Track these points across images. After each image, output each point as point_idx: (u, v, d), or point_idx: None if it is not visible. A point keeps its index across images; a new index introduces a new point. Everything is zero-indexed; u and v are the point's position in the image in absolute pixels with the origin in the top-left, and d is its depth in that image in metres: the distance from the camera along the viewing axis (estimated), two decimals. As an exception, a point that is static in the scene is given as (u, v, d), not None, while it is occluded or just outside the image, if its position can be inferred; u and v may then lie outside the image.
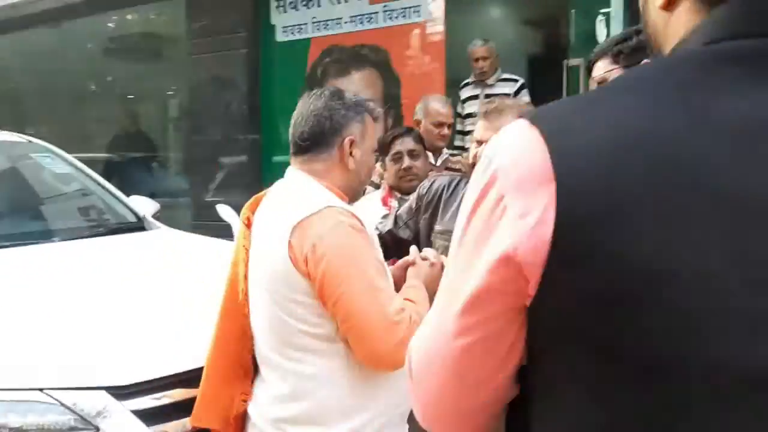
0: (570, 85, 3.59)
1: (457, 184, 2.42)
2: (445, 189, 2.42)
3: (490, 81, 4.57)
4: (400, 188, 2.95)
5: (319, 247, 1.64)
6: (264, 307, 1.77)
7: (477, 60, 4.57)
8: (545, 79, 4.42)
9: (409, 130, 3.01)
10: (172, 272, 2.69)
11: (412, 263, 1.95)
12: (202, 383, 1.87)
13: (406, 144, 2.93)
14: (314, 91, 1.86)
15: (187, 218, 6.03)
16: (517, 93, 4.48)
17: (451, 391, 0.80)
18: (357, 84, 5.32)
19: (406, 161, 2.93)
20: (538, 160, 0.67)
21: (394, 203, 2.92)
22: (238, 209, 3.88)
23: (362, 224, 1.73)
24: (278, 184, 1.89)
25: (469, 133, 4.31)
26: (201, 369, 1.91)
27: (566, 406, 0.72)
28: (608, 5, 3.69)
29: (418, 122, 3.45)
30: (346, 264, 1.66)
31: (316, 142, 1.81)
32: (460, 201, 2.37)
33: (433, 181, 2.48)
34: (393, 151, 2.93)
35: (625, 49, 1.74)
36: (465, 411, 0.82)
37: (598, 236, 0.64)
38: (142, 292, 2.39)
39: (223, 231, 4.28)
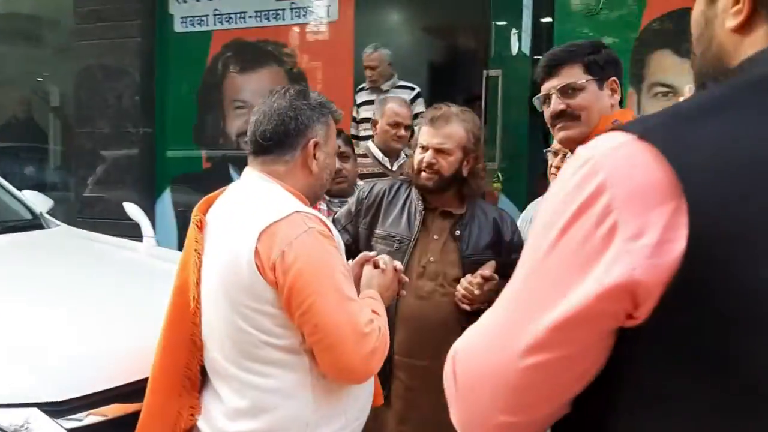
0: (489, 94, 3.65)
1: (398, 188, 2.40)
2: (386, 193, 2.39)
3: (384, 87, 4.48)
4: (329, 190, 2.88)
5: (288, 254, 1.57)
6: (222, 317, 1.66)
7: (366, 68, 4.50)
8: (463, 87, 4.48)
9: (338, 132, 2.94)
10: (89, 275, 2.49)
11: (370, 259, 1.91)
12: (146, 397, 1.74)
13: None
14: (277, 89, 1.77)
15: (70, 214, 5.64)
16: (413, 101, 4.47)
17: (503, 406, 0.76)
18: (261, 80, 5.17)
19: (336, 163, 2.86)
20: (659, 175, 0.65)
21: (322, 206, 2.85)
22: (136, 204, 3.69)
23: (330, 230, 1.67)
24: (235, 185, 1.80)
25: (364, 138, 4.18)
26: (140, 381, 1.78)
27: (664, 423, 0.70)
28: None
29: (375, 123, 3.38)
30: (316, 272, 1.59)
31: (279, 142, 1.73)
32: (402, 205, 2.35)
33: (374, 185, 2.44)
34: (323, 152, 2.85)
35: (599, 61, 1.75)
36: (508, 428, 0.78)
37: (731, 255, 0.63)
38: (64, 298, 2.19)
39: (109, 228, 4.02)
